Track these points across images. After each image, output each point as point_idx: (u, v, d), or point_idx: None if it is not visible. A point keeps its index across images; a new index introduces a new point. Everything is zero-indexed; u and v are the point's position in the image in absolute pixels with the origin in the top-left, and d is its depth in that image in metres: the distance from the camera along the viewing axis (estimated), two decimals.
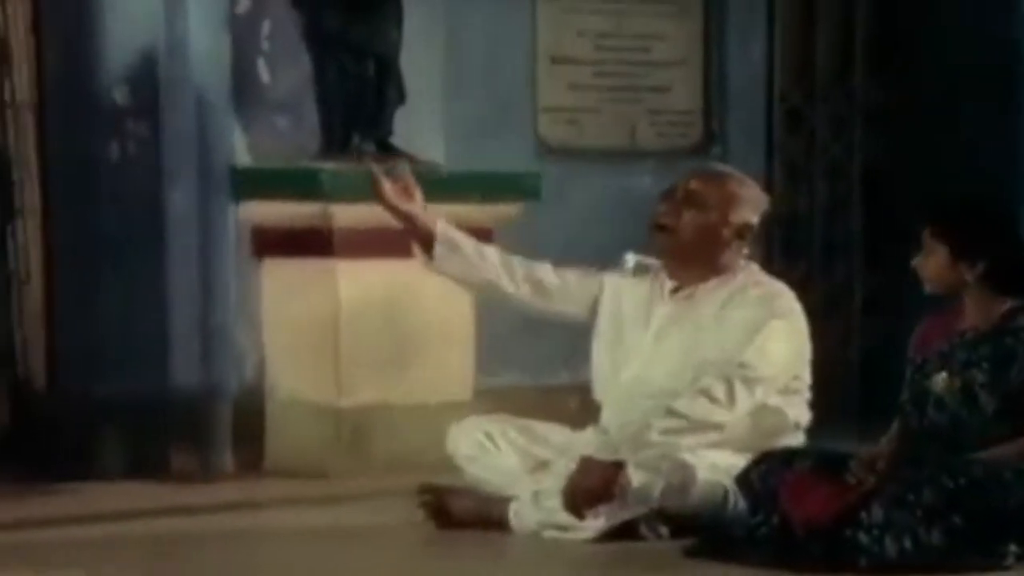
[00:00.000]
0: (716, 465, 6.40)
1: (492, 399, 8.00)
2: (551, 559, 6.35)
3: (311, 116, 8.13)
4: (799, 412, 6.66)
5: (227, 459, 8.15)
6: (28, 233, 8.42)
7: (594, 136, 9.04)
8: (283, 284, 8.19)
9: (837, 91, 9.72)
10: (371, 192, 6.70)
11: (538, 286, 6.82)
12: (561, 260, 6.91)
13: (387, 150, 8.09)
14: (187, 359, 8.21)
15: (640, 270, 6.85)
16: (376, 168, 6.81)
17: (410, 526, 6.74)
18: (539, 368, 8.11)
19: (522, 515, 6.52)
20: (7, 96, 8.40)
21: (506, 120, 8.73)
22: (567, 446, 6.65)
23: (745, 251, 6.73)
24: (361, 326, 8.01)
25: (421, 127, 8.35)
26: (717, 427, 6.40)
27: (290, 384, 8.14)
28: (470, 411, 7.63)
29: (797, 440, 6.64)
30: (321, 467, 7.91)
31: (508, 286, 6.78)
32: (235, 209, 8.20)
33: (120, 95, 8.26)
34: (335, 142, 8.09)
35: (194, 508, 7.46)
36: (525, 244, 7.12)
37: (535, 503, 6.49)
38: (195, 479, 8.00)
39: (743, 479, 6.24)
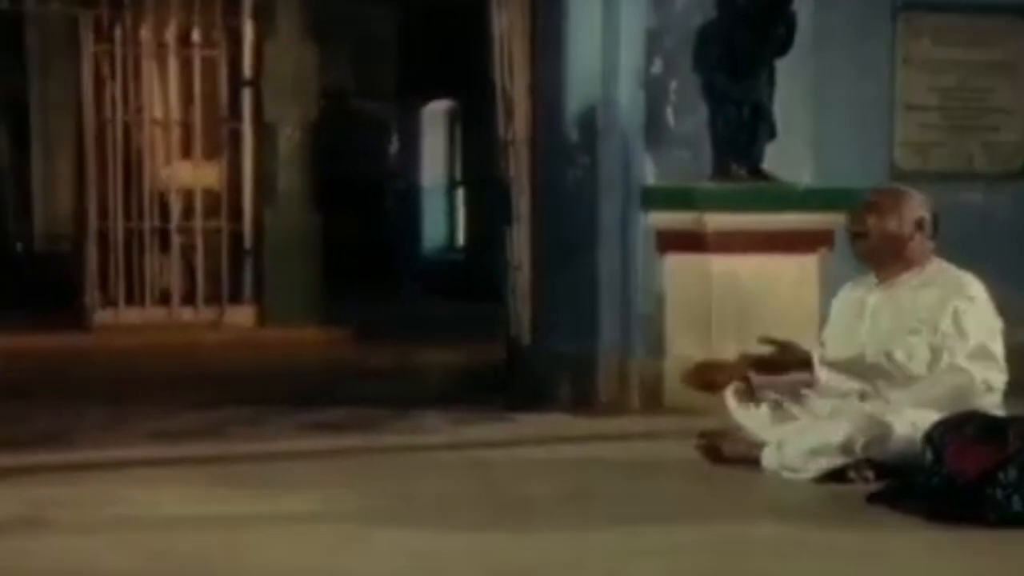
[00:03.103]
0: (915, 423, 5.16)
1: None
2: (777, 491, 5.26)
3: (705, 149, 7.06)
4: (989, 375, 5.32)
5: (635, 399, 7.15)
6: (521, 234, 7.65)
7: (938, 163, 7.71)
8: (676, 273, 7.13)
9: None
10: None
11: None
12: None
13: (758, 174, 6.99)
14: (611, 326, 7.30)
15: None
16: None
17: (694, 462, 5.64)
18: None
19: (768, 458, 5.47)
20: (510, 136, 7.62)
21: (867, 151, 7.51)
22: (810, 404, 5.43)
23: (929, 244, 5.54)
24: (728, 304, 6.93)
25: (793, 156, 7.16)
26: (912, 378, 5.29)
27: (679, 346, 7.06)
28: None
29: (991, 399, 5.30)
30: (701, 408, 6.68)
31: None
32: (645, 218, 7.18)
33: (573, 135, 7.44)
34: (720, 168, 6.97)
35: (607, 435, 6.53)
36: None
37: (778, 449, 5.37)
38: (613, 413, 7.05)
39: (927, 436, 5.02)
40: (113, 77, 10.84)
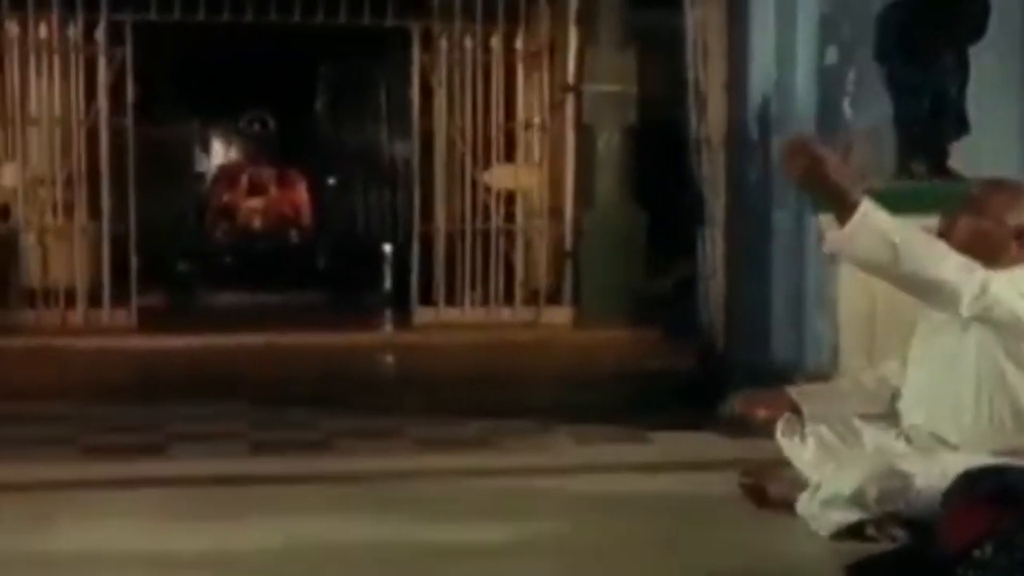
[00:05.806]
0: (945, 472, 3.85)
1: None
2: (779, 551, 4.10)
3: (888, 144, 5.80)
4: None
5: None
6: (715, 239, 6.62)
7: None
8: (847, 282, 5.89)
9: None
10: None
11: None
12: None
13: (941, 172, 5.71)
14: (783, 338, 6.30)
15: None
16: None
17: (736, 501, 4.52)
18: None
19: (803, 504, 4.27)
20: (703, 133, 6.63)
21: None
22: (865, 439, 4.27)
23: None
24: (893, 319, 5.58)
25: (995, 152, 5.86)
26: None
27: (847, 360, 5.85)
28: None
29: None
30: None
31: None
32: (816, 220, 5.96)
33: (753, 132, 6.38)
34: (902, 166, 5.77)
35: (709, 464, 5.29)
36: None
37: (811, 496, 4.19)
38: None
39: (946, 492, 3.66)
40: (440, 85, 10.47)
